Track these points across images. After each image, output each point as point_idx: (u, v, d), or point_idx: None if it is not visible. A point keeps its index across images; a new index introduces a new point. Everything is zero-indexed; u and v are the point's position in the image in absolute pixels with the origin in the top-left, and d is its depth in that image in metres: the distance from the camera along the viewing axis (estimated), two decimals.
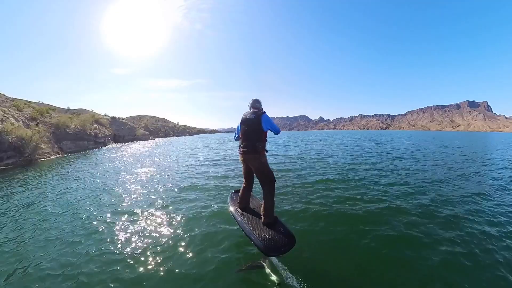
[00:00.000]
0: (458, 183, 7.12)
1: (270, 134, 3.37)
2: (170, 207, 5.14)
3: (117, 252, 3.45)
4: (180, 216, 4.62)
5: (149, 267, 3.12)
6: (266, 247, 2.76)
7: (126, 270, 3.05)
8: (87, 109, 51.46)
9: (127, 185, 7.16)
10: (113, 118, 46.69)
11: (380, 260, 3.28)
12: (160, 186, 7.00)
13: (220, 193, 5.92)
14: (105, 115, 47.70)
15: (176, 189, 6.50)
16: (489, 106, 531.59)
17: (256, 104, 3.43)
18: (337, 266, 3.13)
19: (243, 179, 3.63)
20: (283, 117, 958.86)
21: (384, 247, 3.55)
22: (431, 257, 3.29)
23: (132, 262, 3.22)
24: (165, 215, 4.70)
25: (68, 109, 46.79)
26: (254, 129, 3.19)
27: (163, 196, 5.90)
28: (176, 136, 71.84)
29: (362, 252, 3.46)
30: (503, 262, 3.19)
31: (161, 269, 3.07)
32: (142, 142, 36.51)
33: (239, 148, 3.35)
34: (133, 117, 71.88)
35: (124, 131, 43.03)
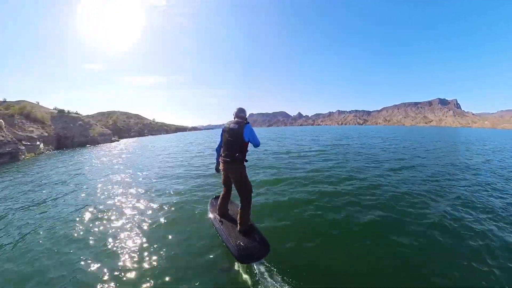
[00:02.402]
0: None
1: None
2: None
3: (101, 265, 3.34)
4: (161, 220, 4.61)
5: (130, 265, 3.26)
6: (240, 255, 2.97)
7: (110, 271, 3.14)
8: (31, 101, 36.62)
9: None
10: (61, 112, 31.40)
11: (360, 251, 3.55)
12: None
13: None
14: (54, 109, 32.22)
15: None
16: (458, 104, 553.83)
17: (240, 114, 3.45)
18: (314, 262, 3.27)
19: (223, 187, 3.73)
20: (262, 114, 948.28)
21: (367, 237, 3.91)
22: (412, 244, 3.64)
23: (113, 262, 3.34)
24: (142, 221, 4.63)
25: (4, 101, 31.90)
26: (236, 140, 3.23)
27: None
28: (152, 135, 58.05)
29: (339, 245, 3.74)
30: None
31: (140, 268, 3.20)
32: (97, 148, 22.04)
33: (220, 156, 3.45)
34: (101, 114, 64.20)
35: (74, 129, 28.14)
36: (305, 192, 5.96)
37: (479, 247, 3.52)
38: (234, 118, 3.44)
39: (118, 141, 33.20)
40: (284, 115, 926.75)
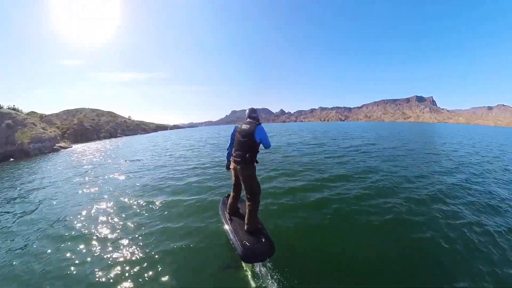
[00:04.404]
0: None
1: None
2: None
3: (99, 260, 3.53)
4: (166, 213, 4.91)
5: (134, 258, 3.47)
6: (244, 254, 2.93)
7: (113, 271, 3.24)
8: None
9: None
10: None
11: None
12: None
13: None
14: None
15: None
16: (434, 101, 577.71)
17: (252, 114, 3.44)
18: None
19: (232, 186, 3.71)
20: (245, 110, 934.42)
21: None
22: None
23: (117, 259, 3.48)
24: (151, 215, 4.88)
25: None
26: (247, 140, 3.22)
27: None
28: (126, 135, 47.99)
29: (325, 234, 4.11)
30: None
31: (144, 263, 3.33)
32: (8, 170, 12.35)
33: (231, 156, 3.49)
34: (67, 112, 56.22)
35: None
36: (313, 193, 5.91)
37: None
38: (247, 118, 3.48)
39: (68, 148, 22.22)
40: (267, 112, 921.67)
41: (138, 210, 5.24)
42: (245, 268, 3.09)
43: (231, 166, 3.49)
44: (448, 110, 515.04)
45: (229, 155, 3.62)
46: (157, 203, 5.54)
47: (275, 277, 2.91)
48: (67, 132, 42.20)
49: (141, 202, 5.69)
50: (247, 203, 3.33)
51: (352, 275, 3.08)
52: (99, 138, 42.32)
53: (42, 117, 51.50)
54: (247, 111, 3.50)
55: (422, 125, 77.33)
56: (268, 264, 3.09)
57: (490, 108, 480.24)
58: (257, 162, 3.33)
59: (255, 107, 3.52)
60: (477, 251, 3.60)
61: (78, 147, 23.36)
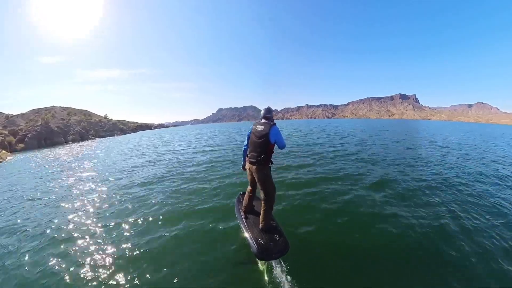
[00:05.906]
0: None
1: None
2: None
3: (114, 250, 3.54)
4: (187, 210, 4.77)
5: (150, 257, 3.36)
6: (259, 252, 2.88)
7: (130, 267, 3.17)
8: None
9: None
10: None
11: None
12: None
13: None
14: None
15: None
16: (417, 99, 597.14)
17: (267, 115, 3.38)
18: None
19: (248, 185, 3.69)
20: (231, 108, 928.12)
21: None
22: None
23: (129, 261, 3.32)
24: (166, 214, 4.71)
25: None
26: (262, 141, 3.18)
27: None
28: (100, 137, 41.74)
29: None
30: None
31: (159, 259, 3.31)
32: None
33: (247, 156, 3.44)
34: (36, 111, 52.29)
35: None
36: (328, 190, 5.75)
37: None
38: (261, 119, 3.36)
39: None
40: (254, 109, 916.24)
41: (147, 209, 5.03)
42: (260, 266, 3.07)
43: (247, 167, 3.40)
44: (430, 108, 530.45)
45: (245, 156, 3.53)
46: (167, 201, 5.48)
47: (290, 274, 2.88)
48: (28, 135, 34.90)
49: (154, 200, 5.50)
50: (262, 202, 3.28)
51: (369, 273, 2.98)
52: (67, 142, 35.38)
53: (8, 117, 44.96)
54: (262, 111, 3.40)
55: (414, 123, 75.15)
56: (283, 262, 3.06)
57: (470, 106, 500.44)
58: (272, 163, 3.26)
59: (270, 107, 3.46)
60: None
61: (20, 158, 16.75)
